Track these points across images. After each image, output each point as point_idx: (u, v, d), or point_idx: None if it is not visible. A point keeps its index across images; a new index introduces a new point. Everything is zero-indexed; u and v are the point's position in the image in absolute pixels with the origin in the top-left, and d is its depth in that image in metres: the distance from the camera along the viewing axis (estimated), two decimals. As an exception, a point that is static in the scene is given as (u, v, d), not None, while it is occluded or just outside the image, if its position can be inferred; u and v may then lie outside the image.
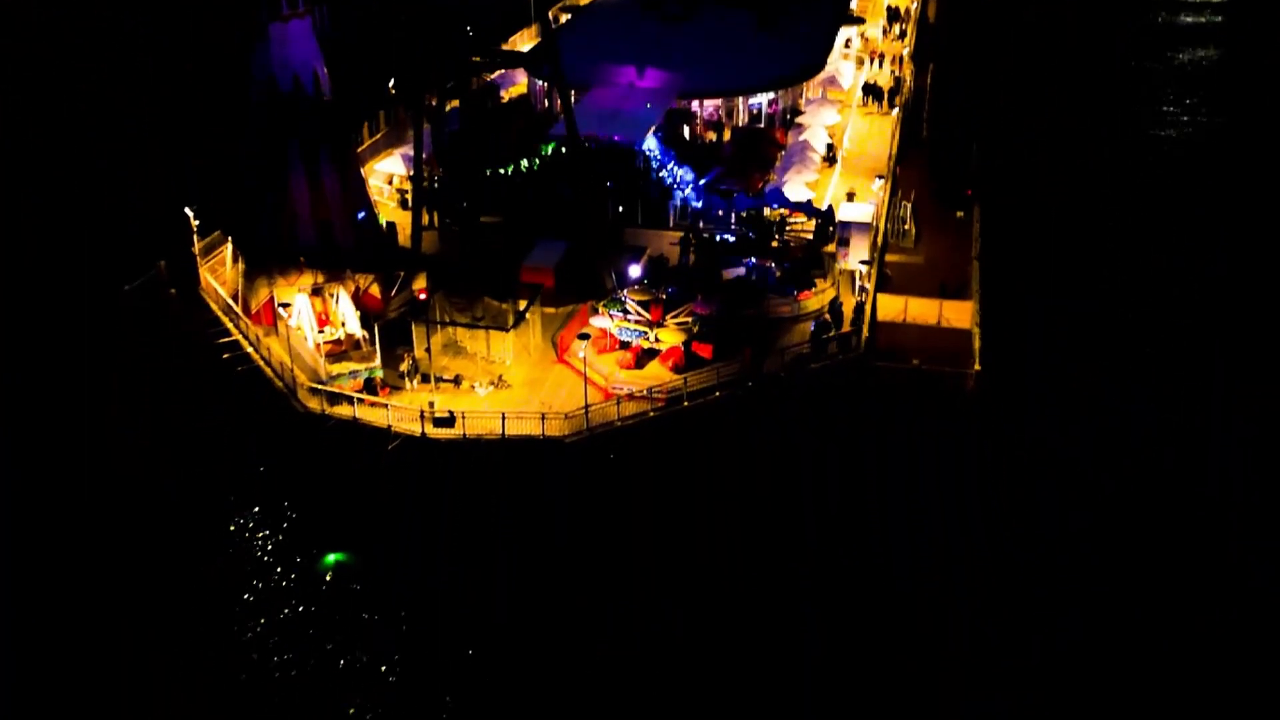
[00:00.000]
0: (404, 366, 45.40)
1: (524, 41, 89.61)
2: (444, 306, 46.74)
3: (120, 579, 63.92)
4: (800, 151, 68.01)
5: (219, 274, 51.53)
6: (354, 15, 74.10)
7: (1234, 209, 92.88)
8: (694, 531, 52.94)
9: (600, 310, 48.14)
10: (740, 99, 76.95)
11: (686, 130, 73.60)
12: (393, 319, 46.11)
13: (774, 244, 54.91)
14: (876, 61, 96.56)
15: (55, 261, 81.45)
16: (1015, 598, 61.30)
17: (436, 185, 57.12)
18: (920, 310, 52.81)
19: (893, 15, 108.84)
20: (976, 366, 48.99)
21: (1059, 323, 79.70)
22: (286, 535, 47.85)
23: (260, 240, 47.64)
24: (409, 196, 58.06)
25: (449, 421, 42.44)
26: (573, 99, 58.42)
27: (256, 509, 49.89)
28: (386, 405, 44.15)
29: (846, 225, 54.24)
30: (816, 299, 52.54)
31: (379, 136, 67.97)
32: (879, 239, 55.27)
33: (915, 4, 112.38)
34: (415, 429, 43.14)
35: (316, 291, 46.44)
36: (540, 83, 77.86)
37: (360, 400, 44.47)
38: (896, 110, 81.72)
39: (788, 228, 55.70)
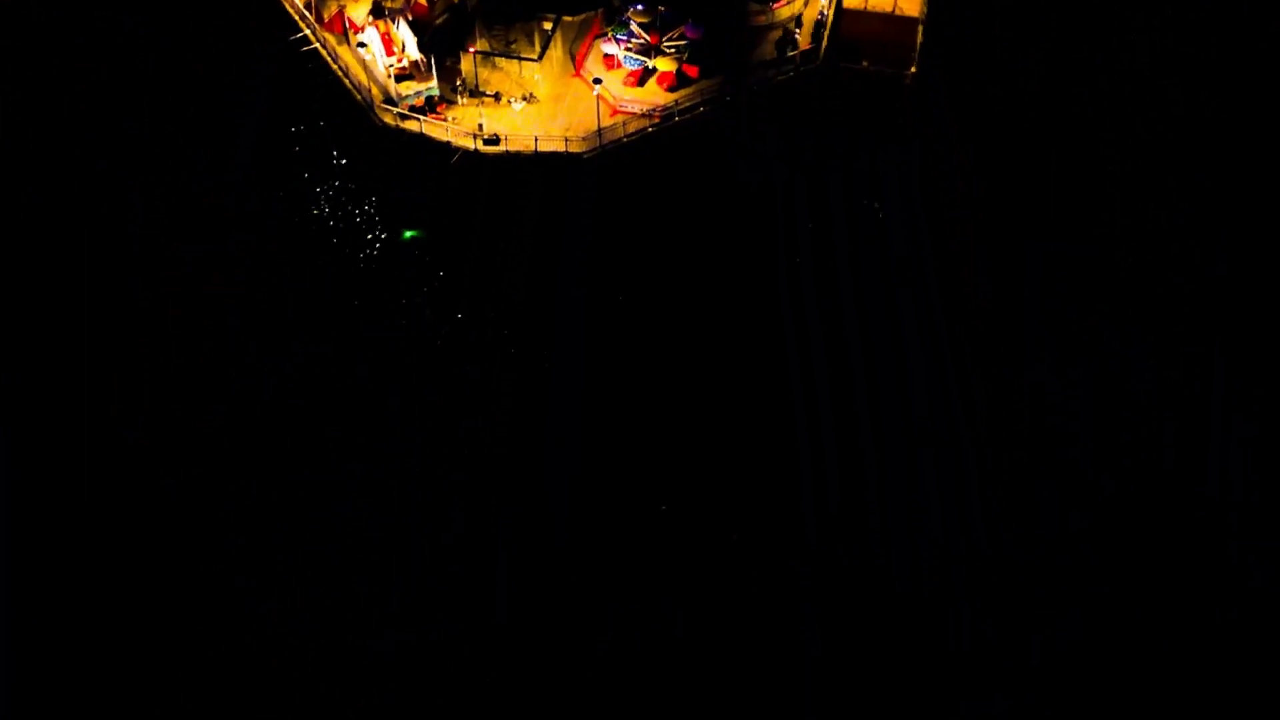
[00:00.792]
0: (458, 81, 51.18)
1: None
2: (483, 33, 51.55)
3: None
4: None
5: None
6: None
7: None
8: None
9: (608, 35, 52.47)
10: None
11: None
12: (440, 24, 51.37)
13: None
14: None
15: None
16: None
17: None
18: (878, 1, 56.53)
19: None
20: (914, 69, 57.92)
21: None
22: (372, 212, 56.47)
23: None
24: None
25: (495, 140, 50.11)
26: None
27: (344, 197, 56.81)
28: (446, 121, 50.64)
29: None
30: (788, 8, 54.89)
31: None
32: None
33: None
34: (469, 144, 50.18)
35: (377, 11, 51.94)
36: None
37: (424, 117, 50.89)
38: None
39: None
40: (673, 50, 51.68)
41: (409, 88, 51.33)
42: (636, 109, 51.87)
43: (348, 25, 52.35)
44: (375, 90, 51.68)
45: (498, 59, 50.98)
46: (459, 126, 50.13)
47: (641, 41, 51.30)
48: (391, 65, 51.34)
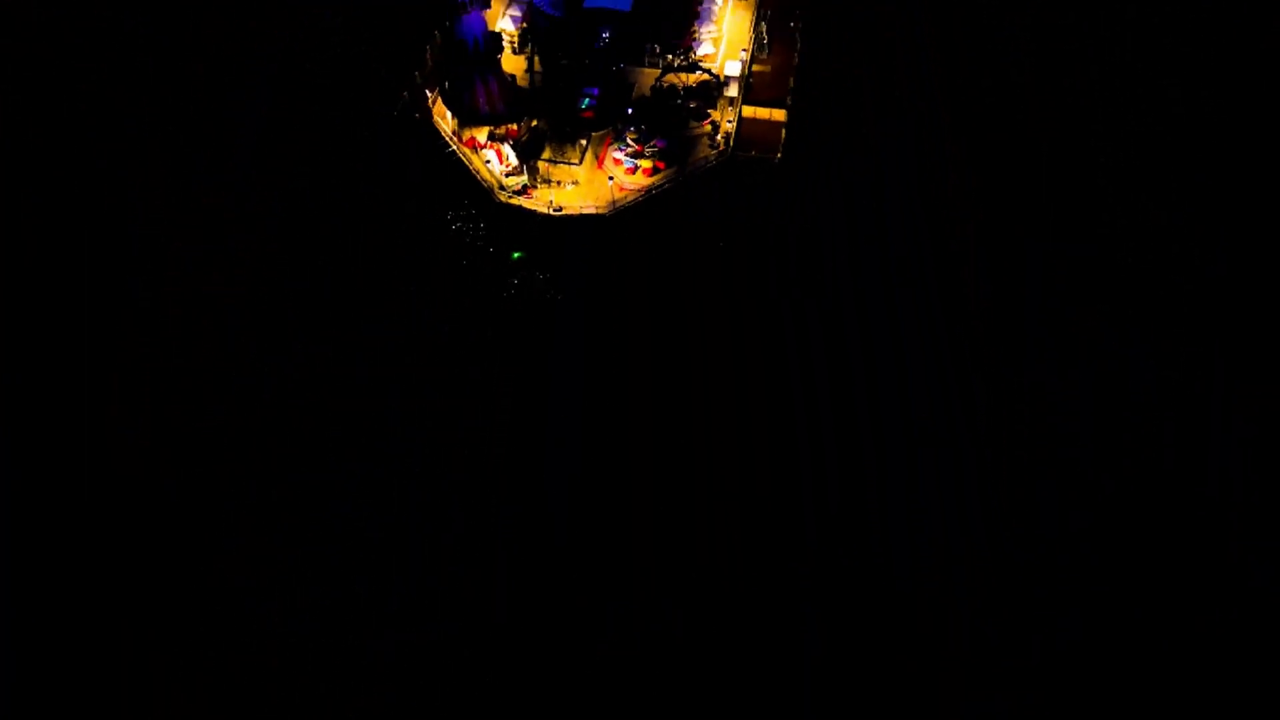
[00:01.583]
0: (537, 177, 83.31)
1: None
2: (549, 147, 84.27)
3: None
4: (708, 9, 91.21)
5: (440, 111, 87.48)
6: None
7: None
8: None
9: (616, 146, 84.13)
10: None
11: None
12: (525, 140, 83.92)
13: (679, 103, 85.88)
14: None
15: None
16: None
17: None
18: (763, 111, 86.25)
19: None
20: (779, 155, 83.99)
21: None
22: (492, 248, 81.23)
23: (463, 112, 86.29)
24: (515, 45, 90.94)
25: (560, 210, 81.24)
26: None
27: (472, 236, 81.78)
28: (533, 199, 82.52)
29: (728, 78, 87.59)
30: (709, 125, 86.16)
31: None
32: (748, 70, 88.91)
33: None
34: (545, 210, 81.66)
35: (493, 136, 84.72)
36: None
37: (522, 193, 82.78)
38: None
39: (694, 72, 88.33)
40: (651, 153, 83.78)
41: (512, 182, 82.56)
42: (633, 188, 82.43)
43: (477, 145, 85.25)
44: (494, 182, 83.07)
45: (558, 163, 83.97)
46: (539, 203, 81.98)
47: (633, 149, 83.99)
48: (503, 170, 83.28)
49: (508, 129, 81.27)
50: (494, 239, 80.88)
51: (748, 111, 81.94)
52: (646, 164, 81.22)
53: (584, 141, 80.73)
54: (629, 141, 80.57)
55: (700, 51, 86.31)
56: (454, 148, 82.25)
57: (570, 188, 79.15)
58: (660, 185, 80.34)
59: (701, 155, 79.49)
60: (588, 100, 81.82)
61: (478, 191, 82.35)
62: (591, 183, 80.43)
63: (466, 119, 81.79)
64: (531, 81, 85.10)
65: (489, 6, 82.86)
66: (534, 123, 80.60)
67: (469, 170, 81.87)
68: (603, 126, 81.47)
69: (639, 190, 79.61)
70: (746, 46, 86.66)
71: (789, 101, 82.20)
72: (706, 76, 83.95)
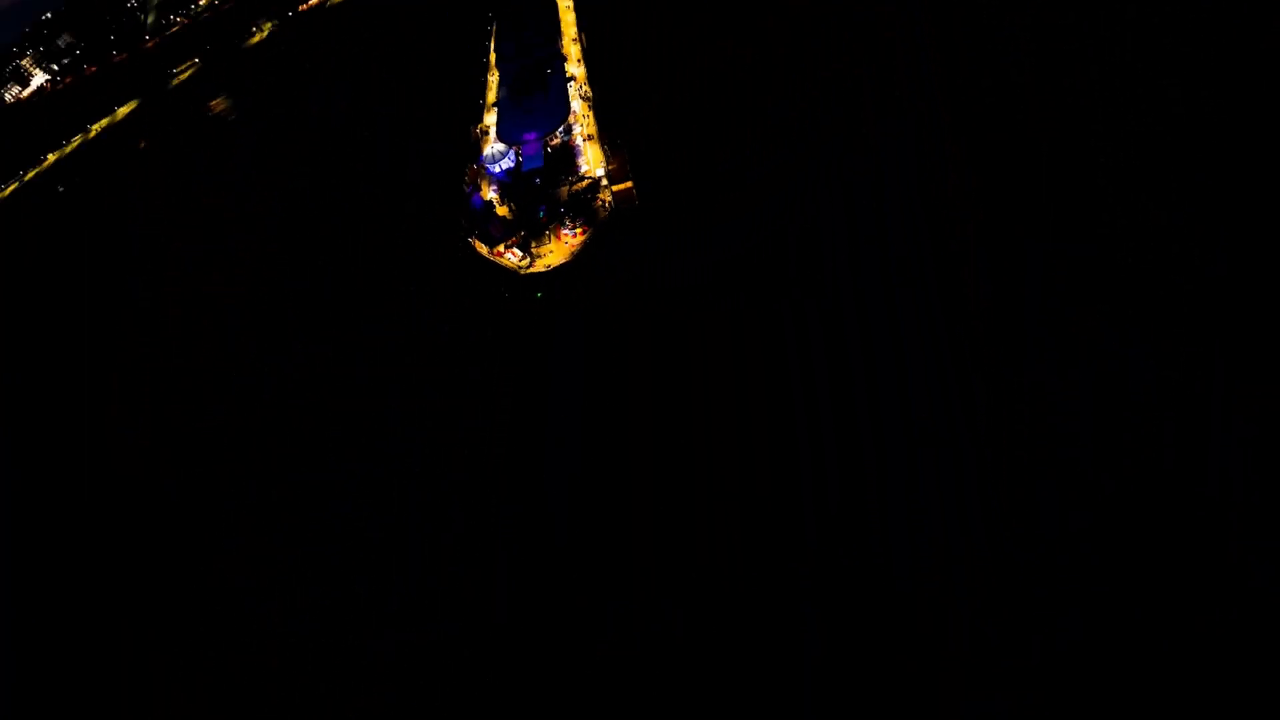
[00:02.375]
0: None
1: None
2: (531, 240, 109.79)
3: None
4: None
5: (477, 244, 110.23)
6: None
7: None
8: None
9: (563, 229, 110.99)
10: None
11: None
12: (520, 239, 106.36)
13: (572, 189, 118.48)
14: None
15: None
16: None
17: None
18: (619, 185, 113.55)
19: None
20: (637, 202, 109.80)
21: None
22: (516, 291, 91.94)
23: (487, 238, 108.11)
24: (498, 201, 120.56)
25: (549, 266, 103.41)
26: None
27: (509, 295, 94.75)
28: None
29: (600, 177, 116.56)
30: (608, 192, 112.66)
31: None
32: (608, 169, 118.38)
33: None
34: (542, 269, 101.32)
35: (509, 244, 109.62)
36: None
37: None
38: None
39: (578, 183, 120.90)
40: (579, 225, 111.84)
41: (524, 263, 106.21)
42: (576, 243, 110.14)
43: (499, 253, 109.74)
44: (515, 265, 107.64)
45: (540, 244, 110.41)
46: (539, 266, 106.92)
47: (570, 226, 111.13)
48: (517, 259, 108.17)
49: (510, 239, 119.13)
50: (525, 286, 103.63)
51: (616, 188, 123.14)
52: (580, 231, 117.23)
53: (548, 232, 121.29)
54: (567, 224, 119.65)
55: (582, 170, 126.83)
56: (492, 257, 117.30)
57: (550, 254, 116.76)
58: (589, 237, 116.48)
59: (600, 216, 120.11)
60: (541, 211, 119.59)
61: (508, 274, 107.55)
62: (558, 249, 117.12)
63: (489, 242, 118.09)
64: (512, 214, 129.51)
65: (480, 189, 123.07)
66: (521, 233, 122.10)
67: (500, 265, 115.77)
68: (552, 222, 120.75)
69: (580, 243, 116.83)
70: (601, 161, 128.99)
71: (630, 175, 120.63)
72: (590, 180, 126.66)
